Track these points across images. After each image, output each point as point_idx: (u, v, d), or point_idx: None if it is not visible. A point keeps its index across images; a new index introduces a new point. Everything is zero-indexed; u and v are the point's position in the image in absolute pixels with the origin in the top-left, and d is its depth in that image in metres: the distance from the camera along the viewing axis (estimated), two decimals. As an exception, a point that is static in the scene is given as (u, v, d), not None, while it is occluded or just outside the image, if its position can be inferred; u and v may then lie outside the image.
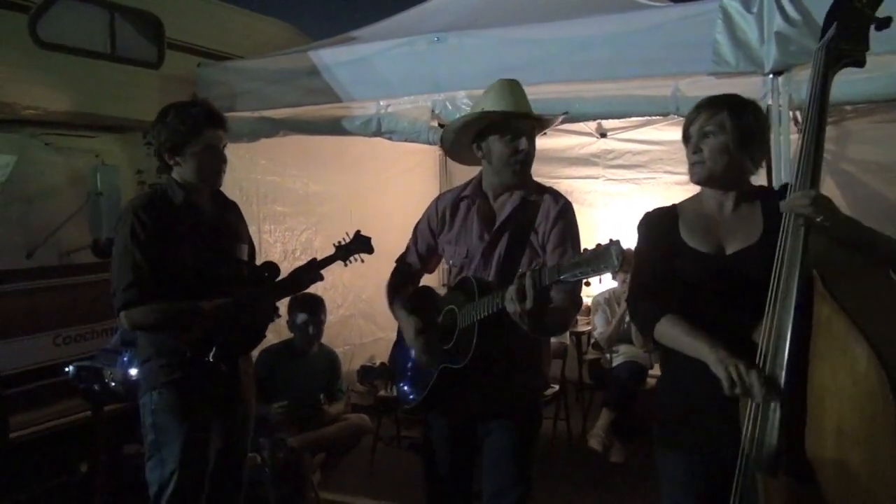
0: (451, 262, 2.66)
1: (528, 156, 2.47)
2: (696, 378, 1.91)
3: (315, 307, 4.26)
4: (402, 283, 2.77)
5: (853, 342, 1.68)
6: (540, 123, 2.54)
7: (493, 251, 2.51)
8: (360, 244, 3.09)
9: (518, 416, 2.53)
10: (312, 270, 2.93)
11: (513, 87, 2.52)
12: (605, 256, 1.86)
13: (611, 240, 1.86)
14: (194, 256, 2.63)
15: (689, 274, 2.06)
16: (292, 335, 4.32)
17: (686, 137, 2.10)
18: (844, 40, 1.81)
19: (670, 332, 2.01)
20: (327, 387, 4.36)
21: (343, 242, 3.08)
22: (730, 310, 1.96)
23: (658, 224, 2.18)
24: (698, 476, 2.04)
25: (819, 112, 1.81)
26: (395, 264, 2.82)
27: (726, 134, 2.00)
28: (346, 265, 3.08)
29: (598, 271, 1.90)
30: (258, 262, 2.99)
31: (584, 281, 2.11)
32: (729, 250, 2.03)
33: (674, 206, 2.21)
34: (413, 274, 2.80)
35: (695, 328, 1.95)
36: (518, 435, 2.52)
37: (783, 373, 1.75)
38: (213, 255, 2.69)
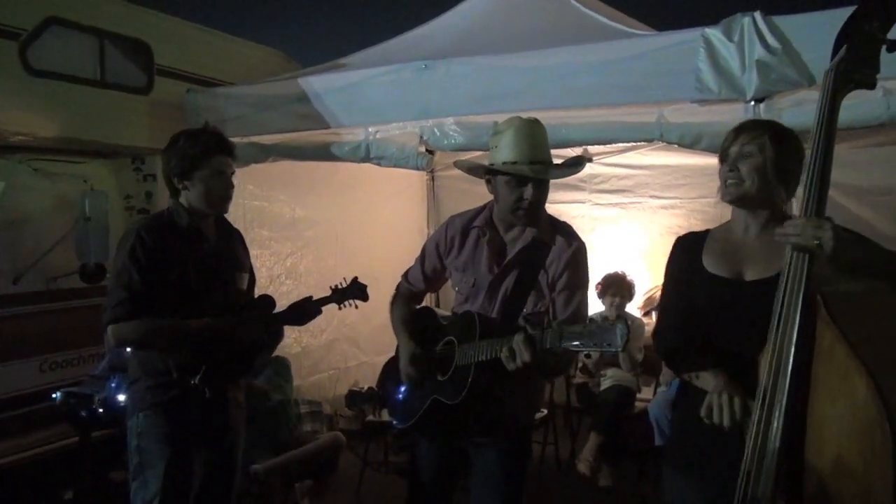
0: (456, 288, 2.65)
1: (533, 204, 2.40)
2: (699, 400, 1.92)
3: None
4: (405, 301, 2.79)
5: (853, 371, 1.66)
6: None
7: (499, 286, 2.50)
8: (356, 291, 3.14)
9: (508, 444, 2.53)
10: (311, 309, 2.95)
11: (530, 130, 2.43)
12: (610, 335, 1.83)
13: (619, 315, 1.87)
14: (191, 281, 2.65)
15: (704, 298, 2.05)
16: None
17: (723, 157, 2.06)
18: (854, 63, 1.79)
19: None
20: None
21: (340, 286, 3.12)
22: (742, 337, 1.95)
23: (682, 251, 2.19)
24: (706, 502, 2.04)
25: (827, 136, 1.78)
26: (400, 279, 2.84)
27: (765, 156, 1.98)
28: (339, 308, 3.12)
29: (600, 347, 1.88)
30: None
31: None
32: (748, 277, 2.02)
33: (706, 231, 2.19)
34: (416, 292, 2.83)
35: (706, 363, 1.97)
36: (508, 464, 2.53)
37: (785, 397, 1.74)
38: (210, 281, 2.71)
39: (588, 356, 5.04)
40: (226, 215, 2.86)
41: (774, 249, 1.97)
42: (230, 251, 2.86)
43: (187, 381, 2.59)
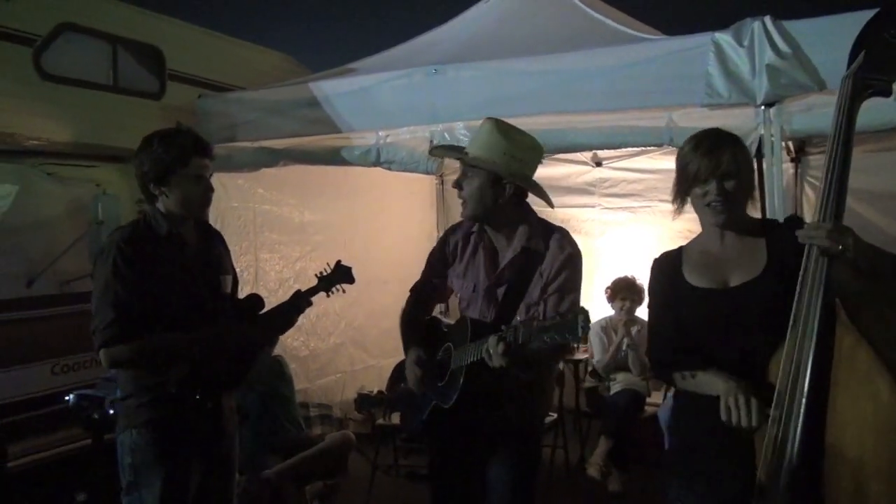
0: (459, 294, 2.69)
1: (466, 198, 2.51)
2: (706, 408, 1.92)
3: None
4: (415, 312, 2.81)
5: (876, 373, 1.68)
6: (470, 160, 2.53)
7: (495, 291, 2.54)
8: (340, 275, 3.07)
9: (517, 449, 2.55)
10: (299, 303, 2.89)
11: (483, 127, 2.54)
12: (570, 327, 1.92)
13: (581, 308, 1.93)
14: (178, 291, 2.54)
15: (694, 312, 2.06)
16: None
17: (702, 178, 2.00)
18: (872, 70, 1.81)
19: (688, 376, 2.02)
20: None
21: (324, 273, 3.06)
22: (738, 342, 1.96)
23: (662, 270, 2.20)
24: None
25: (845, 142, 1.80)
26: (409, 293, 2.85)
27: (742, 175, 2.00)
28: (328, 296, 3.06)
29: (563, 339, 1.96)
30: (254, 290, 2.98)
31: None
32: (733, 283, 2.03)
33: (679, 248, 2.21)
34: (426, 302, 2.84)
35: (707, 366, 1.96)
36: (518, 468, 2.54)
37: (804, 400, 1.74)
38: (197, 290, 2.61)
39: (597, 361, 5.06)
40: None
41: (753, 252, 2.03)
42: (215, 255, 2.75)
43: (187, 395, 2.51)
